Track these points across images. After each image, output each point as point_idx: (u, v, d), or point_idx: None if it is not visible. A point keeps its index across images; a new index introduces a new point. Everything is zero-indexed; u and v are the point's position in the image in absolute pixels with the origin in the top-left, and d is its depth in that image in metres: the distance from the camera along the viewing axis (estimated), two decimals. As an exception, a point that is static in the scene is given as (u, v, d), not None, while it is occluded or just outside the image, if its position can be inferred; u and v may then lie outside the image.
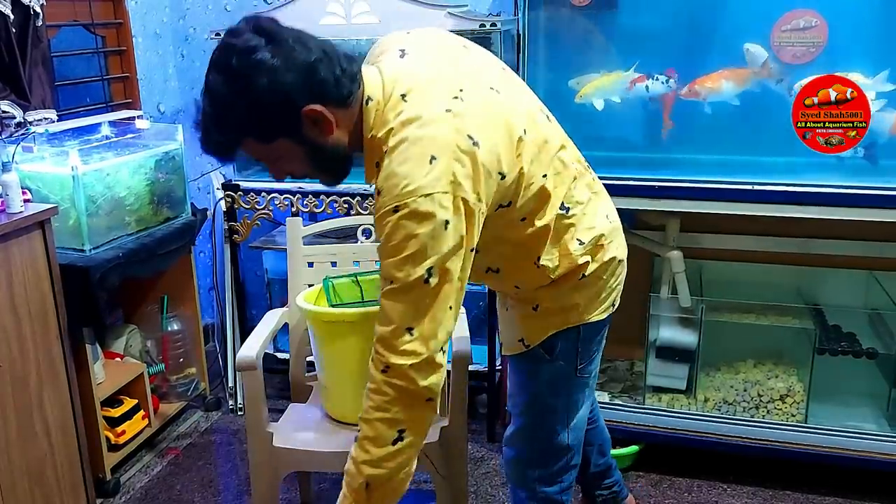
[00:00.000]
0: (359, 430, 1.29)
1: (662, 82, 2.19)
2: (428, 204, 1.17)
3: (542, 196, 1.37)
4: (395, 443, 1.26)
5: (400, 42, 1.38)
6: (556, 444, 1.59)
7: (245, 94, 1.20)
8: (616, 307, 1.55)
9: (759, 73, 2.11)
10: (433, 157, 1.19)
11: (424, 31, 1.44)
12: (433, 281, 1.20)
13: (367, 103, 1.28)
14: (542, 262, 1.43)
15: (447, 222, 1.19)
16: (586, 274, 1.45)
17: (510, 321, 1.57)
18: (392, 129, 1.23)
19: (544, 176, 1.36)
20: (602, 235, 1.46)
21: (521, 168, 1.31)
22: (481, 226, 1.27)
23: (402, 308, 1.22)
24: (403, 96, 1.25)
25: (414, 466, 1.32)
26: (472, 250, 1.26)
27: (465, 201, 1.21)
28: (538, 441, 1.61)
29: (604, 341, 1.60)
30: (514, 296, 1.54)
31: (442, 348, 1.25)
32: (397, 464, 1.28)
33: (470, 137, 1.22)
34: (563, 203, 1.41)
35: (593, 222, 1.45)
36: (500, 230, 1.37)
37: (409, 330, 1.22)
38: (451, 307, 1.24)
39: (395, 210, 1.19)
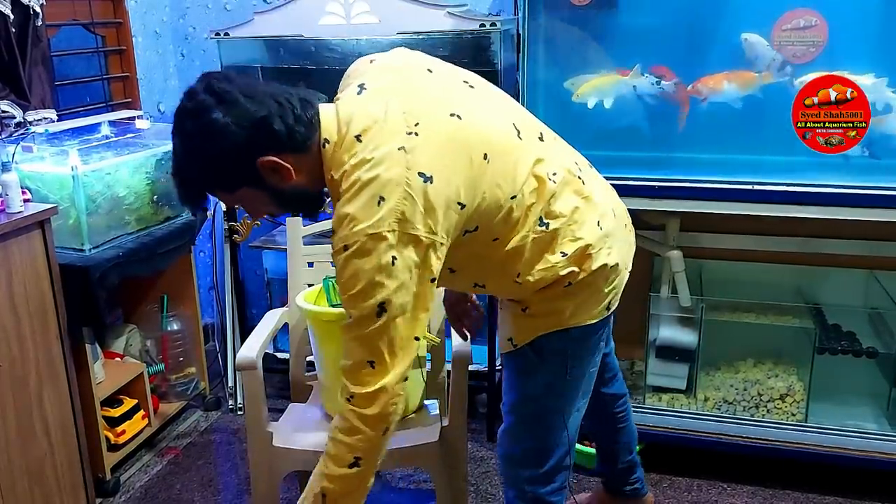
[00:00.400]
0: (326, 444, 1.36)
1: (652, 83, 2.19)
2: (372, 243, 1.22)
3: (512, 217, 1.37)
4: (351, 467, 1.33)
5: (362, 74, 1.40)
6: (547, 445, 1.58)
7: (201, 154, 1.28)
8: (612, 310, 1.54)
9: (763, 77, 2.11)
10: (381, 199, 1.22)
11: (389, 57, 1.45)
12: (386, 316, 1.25)
13: (324, 146, 1.32)
14: (520, 279, 1.43)
15: (394, 259, 1.23)
16: (573, 282, 1.44)
17: (503, 320, 1.57)
18: (345, 171, 1.27)
19: (513, 197, 1.36)
20: (589, 246, 1.42)
21: (484, 193, 1.32)
22: (443, 255, 1.30)
23: (360, 342, 1.28)
24: (358, 137, 1.28)
25: (371, 482, 1.38)
26: (432, 280, 1.29)
27: (415, 238, 1.24)
28: (528, 440, 1.60)
29: (602, 343, 1.58)
30: (507, 298, 1.55)
31: (405, 378, 1.31)
32: (351, 485, 1.35)
33: (421, 174, 1.24)
34: (540, 218, 1.40)
35: (579, 233, 1.42)
36: (475, 250, 1.38)
37: (370, 363, 1.28)
38: (416, 338, 1.30)
39: (345, 249, 1.24)
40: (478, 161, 1.31)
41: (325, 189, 1.38)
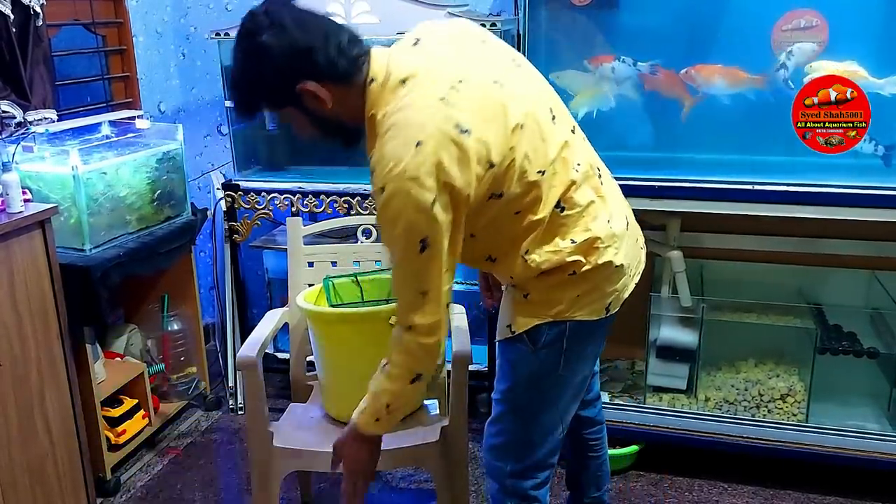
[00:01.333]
0: (385, 364, 1.45)
1: (629, 64, 2.19)
2: (413, 186, 1.27)
3: (535, 192, 1.40)
4: (413, 382, 1.45)
5: (421, 32, 1.47)
6: (533, 438, 1.58)
7: (248, 72, 1.39)
8: (610, 313, 1.53)
9: (756, 79, 2.11)
10: (419, 143, 1.27)
11: (449, 24, 1.55)
12: (429, 250, 1.32)
13: (370, 84, 1.39)
14: (528, 256, 1.45)
15: (434, 202, 1.28)
16: (577, 272, 1.45)
17: (504, 307, 1.58)
18: (386, 112, 1.34)
19: (540, 172, 1.39)
20: (598, 239, 1.45)
21: (514, 159, 1.37)
22: (465, 210, 1.35)
23: (409, 276, 1.37)
24: (403, 81, 1.35)
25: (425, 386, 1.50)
26: (461, 225, 1.36)
27: (451, 185, 1.29)
28: (514, 432, 1.60)
29: (596, 347, 1.58)
30: (510, 282, 1.56)
31: (448, 304, 1.41)
32: (413, 395, 1.49)
33: (458, 126, 1.30)
34: (559, 202, 1.43)
35: (590, 225, 1.45)
36: (496, 220, 1.42)
37: (424, 293, 1.36)
38: (446, 270, 1.38)
39: (383, 190, 1.30)
40: (512, 128, 1.36)
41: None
